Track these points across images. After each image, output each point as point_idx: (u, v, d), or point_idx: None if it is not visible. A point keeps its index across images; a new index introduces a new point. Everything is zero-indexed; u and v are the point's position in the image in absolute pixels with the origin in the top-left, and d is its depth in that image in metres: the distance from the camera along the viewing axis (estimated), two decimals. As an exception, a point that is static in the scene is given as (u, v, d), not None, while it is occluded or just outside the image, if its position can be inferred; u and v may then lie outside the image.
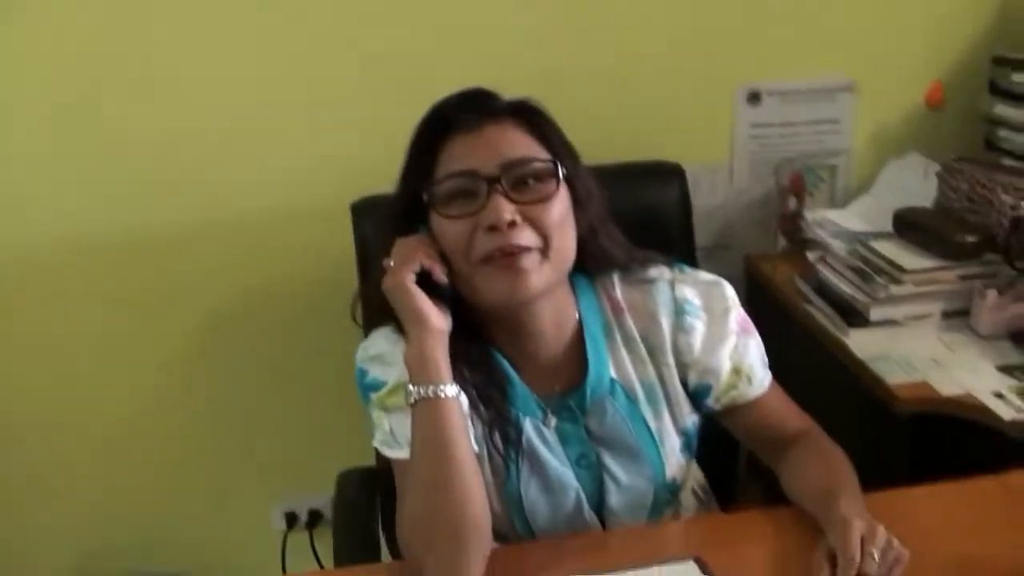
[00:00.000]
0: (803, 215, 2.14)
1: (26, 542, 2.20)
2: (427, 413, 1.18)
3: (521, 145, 1.23)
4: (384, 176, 1.83)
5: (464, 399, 1.23)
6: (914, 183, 2.10)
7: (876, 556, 1.09)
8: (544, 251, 1.22)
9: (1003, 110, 2.02)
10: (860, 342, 1.78)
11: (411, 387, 1.19)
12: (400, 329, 1.26)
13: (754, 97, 2.13)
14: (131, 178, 1.97)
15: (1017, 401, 1.55)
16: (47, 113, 1.92)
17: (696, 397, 1.35)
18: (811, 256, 2.01)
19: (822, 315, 1.89)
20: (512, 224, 1.19)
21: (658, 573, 1.18)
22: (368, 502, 1.67)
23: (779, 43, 2.09)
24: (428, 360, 1.19)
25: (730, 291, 1.36)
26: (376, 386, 1.27)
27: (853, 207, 2.14)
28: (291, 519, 2.29)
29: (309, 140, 2.00)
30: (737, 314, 1.35)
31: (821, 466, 1.28)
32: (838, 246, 1.99)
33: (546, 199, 1.22)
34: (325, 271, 2.01)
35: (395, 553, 1.34)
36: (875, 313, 1.81)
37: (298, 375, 2.16)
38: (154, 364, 2.12)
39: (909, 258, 1.84)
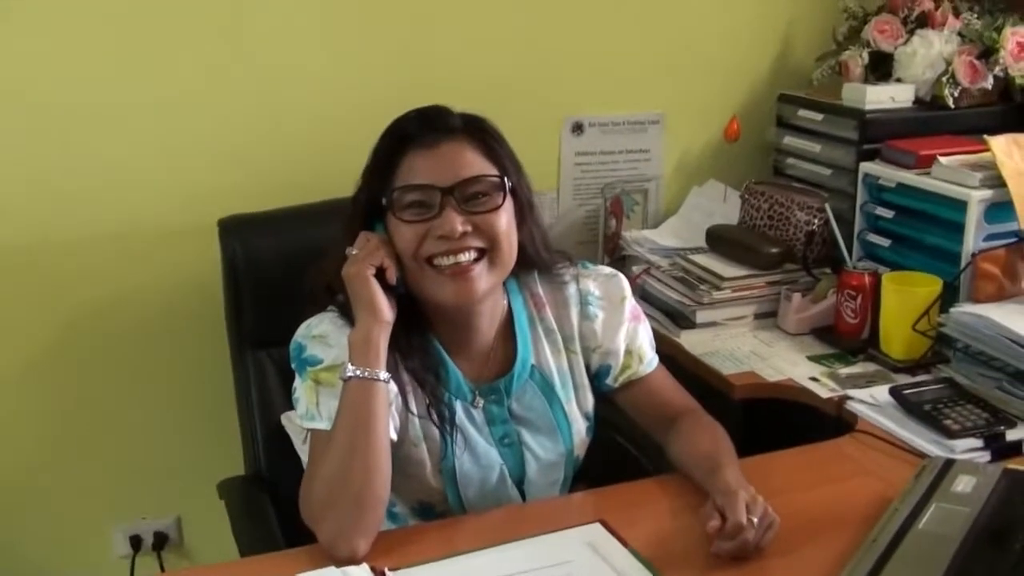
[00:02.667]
0: (622, 235, 2.39)
1: None
2: (359, 390, 1.30)
3: (473, 162, 1.36)
4: (250, 195, 1.92)
5: (393, 386, 1.35)
6: (715, 206, 2.39)
7: (755, 522, 1.26)
8: (491, 256, 1.37)
9: (791, 141, 2.34)
10: (690, 341, 2.03)
11: (350, 366, 1.30)
12: (344, 315, 1.37)
13: (578, 128, 2.35)
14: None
15: (830, 383, 1.82)
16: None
17: (598, 378, 1.53)
18: (636, 270, 2.24)
19: (653, 320, 2.11)
20: (463, 234, 1.33)
21: (570, 536, 1.33)
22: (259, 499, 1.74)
23: (599, 80, 2.33)
24: (371, 345, 1.31)
25: (625, 283, 1.55)
26: (313, 362, 1.37)
27: (664, 227, 2.41)
28: (136, 542, 2.26)
29: (176, 158, 2.03)
30: (630, 303, 1.54)
31: (705, 438, 1.47)
32: (658, 260, 2.24)
33: (494, 210, 1.36)
34: (188, 288, 2.05)
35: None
36: (700, 316, 2.06)
37: (150, 397, 2.16)
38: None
39: (724, 268, 2.11)
